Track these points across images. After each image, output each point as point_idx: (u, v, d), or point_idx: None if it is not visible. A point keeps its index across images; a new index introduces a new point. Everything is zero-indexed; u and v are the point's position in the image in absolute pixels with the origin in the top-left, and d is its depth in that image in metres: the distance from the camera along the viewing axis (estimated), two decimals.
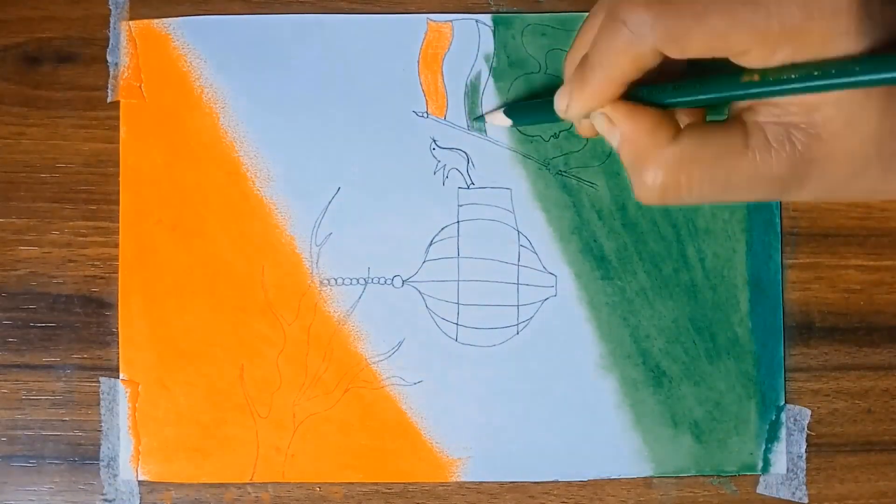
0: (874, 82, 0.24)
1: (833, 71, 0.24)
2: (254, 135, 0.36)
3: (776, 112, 0.26)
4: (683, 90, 0.27)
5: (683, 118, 0.29)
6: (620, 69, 0.27)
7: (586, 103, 0.28)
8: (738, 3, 0.24)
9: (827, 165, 0.26)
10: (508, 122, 0.35)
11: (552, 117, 0.30)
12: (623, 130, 0.28)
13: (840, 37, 0.24)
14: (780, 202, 0.36)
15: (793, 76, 0.25)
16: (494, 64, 0.36)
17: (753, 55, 0.25)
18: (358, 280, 0.36)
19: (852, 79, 0.24)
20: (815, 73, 0.24)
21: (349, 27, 0.36)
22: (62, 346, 0.36)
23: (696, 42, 0.25)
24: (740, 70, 0.26)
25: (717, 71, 0.27)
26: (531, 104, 0.35)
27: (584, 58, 0.28)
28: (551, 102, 0.30)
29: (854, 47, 0.24)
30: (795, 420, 0.36)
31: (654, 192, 0.27)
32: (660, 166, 0.27)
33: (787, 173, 0.26)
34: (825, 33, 0.24)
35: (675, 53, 0.25)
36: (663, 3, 0.25)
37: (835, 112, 0.25)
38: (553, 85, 0.36)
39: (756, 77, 0.25)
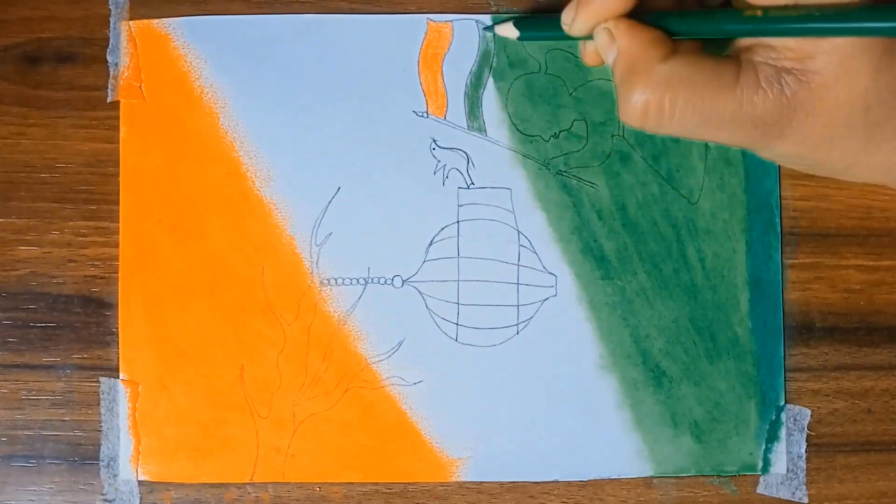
0: (871, 31, 0.25)
1: (832, 14, 0.25)
2: (254, 135, 0.36)
3: (772, 55, 0.26)
4: (688, 20, 0.28)
5: (683, 48, 0.29)
6: None
7: (591, 16, 0.29)
8: None
9: (810, 116, 0.26)
10: (516, 33, 0.34)
11: (559, 34, 0.31)
12: (620, 44, 0.28)
13: None
14: (780, 202, 0.36)
15: (793, 15, 0.26)
16: (494, 64, 0.36)
17: None
18: (358, 280, 0.36)
19: (850, 24, 0.25)
20: (816, 15, 0.25)
21: (349, 27, 0.36)
22: (62, 346, 0.36)
23: None
24: (745, 6, 0.27)
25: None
26: (540, 19, 0.35)
27: None
28: (559, 19, 0.30)
29: None
30: (795, 420, 0.36)
31: (637, 111, 0.27)
32: (647, 84, 0.27)
33: (769, 116, 0.26)
34: None
35: None
36: None
37: (828, 63, 0.26)
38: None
39: (758, 13, 0.26)
